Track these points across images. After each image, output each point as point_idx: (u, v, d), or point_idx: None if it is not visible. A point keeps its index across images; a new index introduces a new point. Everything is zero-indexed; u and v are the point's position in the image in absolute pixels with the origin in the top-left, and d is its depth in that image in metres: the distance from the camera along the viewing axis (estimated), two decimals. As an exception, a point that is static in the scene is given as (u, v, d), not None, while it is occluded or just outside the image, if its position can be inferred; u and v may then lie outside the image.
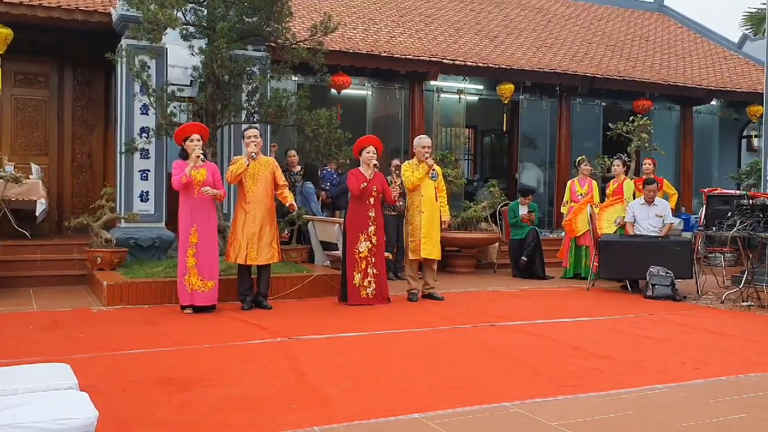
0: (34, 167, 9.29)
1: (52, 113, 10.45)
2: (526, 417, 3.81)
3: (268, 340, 5.67)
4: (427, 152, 7.78)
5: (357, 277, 7.37)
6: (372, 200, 7.46)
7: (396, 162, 9.57)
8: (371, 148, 7.55)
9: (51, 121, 10.45)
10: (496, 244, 10.87)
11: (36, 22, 9.04)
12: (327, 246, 9.27)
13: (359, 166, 7.64)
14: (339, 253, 8.62)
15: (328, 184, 10.39)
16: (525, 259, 10.02)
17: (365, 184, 7.39)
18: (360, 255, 7.38)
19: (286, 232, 8.85)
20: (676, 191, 11.04)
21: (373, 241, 7.44)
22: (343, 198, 10.13)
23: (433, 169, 7.82)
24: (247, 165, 6.98)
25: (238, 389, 4.22)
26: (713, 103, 14.59)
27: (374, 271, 7.44)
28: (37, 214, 8.73)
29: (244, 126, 7.98)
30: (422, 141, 7.95)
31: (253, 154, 7.01)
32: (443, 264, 9.73)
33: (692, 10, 21.96)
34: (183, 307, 6.82)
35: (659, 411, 4.01)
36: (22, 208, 8.65)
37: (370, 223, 7.44)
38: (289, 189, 9.48)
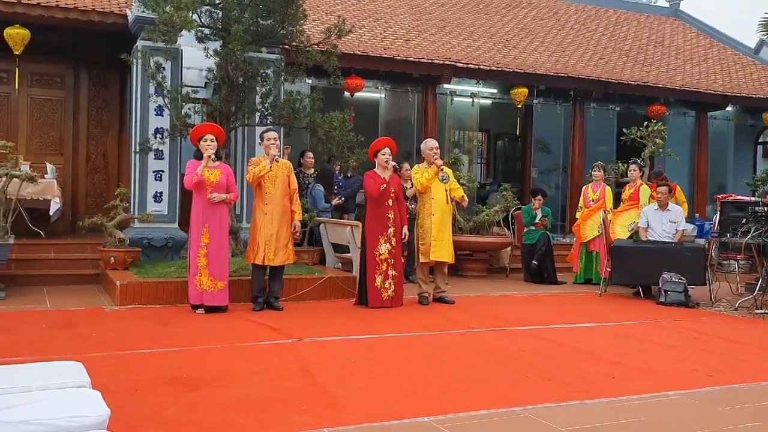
0: (49, 167, 9.36)
1: (68, 113, 10.53)
2: (536, 422, 3.80)
3: (279, 341, 5.68)
4: (436, 153, 7.79)
5: (378, 279, 7.37)
6: (390, 202, 7.47)
7: (406, 165, 9.57)
8: (387, 150, 7.56)
9: (66, 122, 10.53)
10: (508, 248, 10.84)
11: (52, 23, 9.10)
12: (338, 248, 9.28)
13: (373, 168, 7.66)
14: (351, 255, 8.63)
15: (335, 187, 10.37)
16: (536, 262, 9.99)
17: (384, 186, 7.41)
18: (381, 257, 7.39)
19: (298, 234, 8.86)
20: (686, 200, 10.94)
21: (393, 242, 7.45)
22: (351, 201, 10.12)
23: (443, 171, 7.82)
24: (270, 168, 7.02)
25: (248, 390, 4.23)
26: (728, 109, 14.48)
27: (394, 272, 7.46)
28: (51, 214, 8.79)
29: (262, 128, 8.01)
30: (430, 143, 7.95)
31: (276, 157, 7.05)
32: (455, 268, 9.72)
33: (708, 15, 21.83)
34: (194, 307, 6.85)
35: (671, 418, 3.98)
36: (37, 208, 8.71)
37: (390, 225, 7.44)
38: (302, 190, 9.57)
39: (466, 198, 8.16)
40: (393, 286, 7.44)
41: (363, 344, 5.72)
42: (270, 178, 7.07)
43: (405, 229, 7.58)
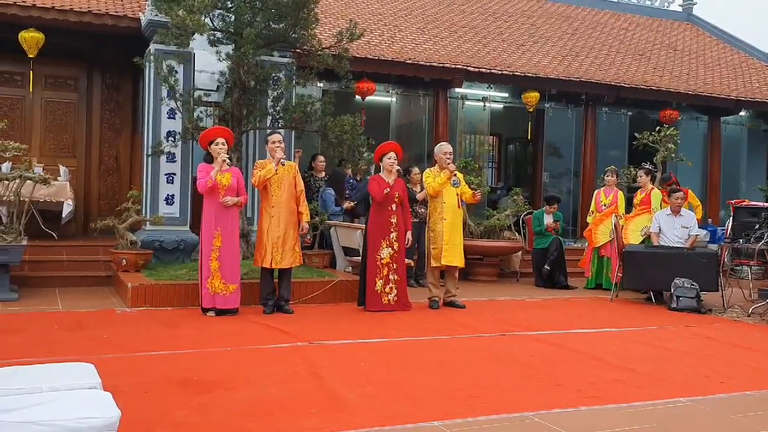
0: (62, 169, 9.42)
1: (81, 116, 10.60)
2: (546, 427, 3.78)
3: (289, 344, 5.69)
4: (449, 158, 7.78)
5: (379, 283, 7.37)
6: (394, 206, 7.48)
7: (416, 170, 9.57)
8: (392, 154, 7.58)
9: (79, 124, 10.60)
10: (519, 252, 10.80)
11: (67, 26, 9.18)
12: (349, 252, 9.28)
13: (380, 171, 7.67)
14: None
15: (346, 191, 10.36)
16: (548, 268, 9.96)
17: (388, 189, 7.42)
18: (382, 261, 7.39)
19: (308, 237, 8.88)
20: (700, 203, 10.88)
21: (395, 247, 7.45)
22: (362, 204, 10.13)
23: (455, 176, 7.81)
24: (276, 170, 7.03)
25: (258, 392, 4.24)
26: (742, 113, 14.40)
27: (395, 277, 7.45)
28: (63, 216, 8.85)
29: (267, 131, 8.04)
30: (443, 147, 7.95)
31: (282, 159, 7.06)
32: (465, 272, 9.70)
33: (721, 19, 21.71)
34: (205, 310, 6.87)
35: (682, 424, 3.95)
36: (50, 210, 8.77)
37: (392, 229, 7.44)
38: (312, 194, 9.59)
39: (477, 193, 8.13)
40: (395, 290, 7.43)
41: (372, 348, 5.71)
42: (276, 181, 7.08)
43: (408, 234, 7.57)
